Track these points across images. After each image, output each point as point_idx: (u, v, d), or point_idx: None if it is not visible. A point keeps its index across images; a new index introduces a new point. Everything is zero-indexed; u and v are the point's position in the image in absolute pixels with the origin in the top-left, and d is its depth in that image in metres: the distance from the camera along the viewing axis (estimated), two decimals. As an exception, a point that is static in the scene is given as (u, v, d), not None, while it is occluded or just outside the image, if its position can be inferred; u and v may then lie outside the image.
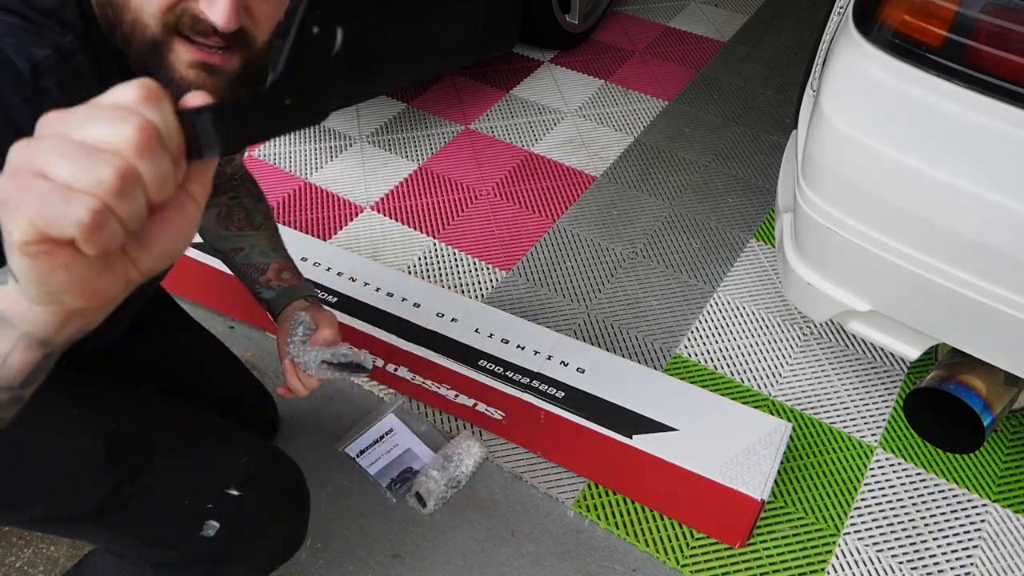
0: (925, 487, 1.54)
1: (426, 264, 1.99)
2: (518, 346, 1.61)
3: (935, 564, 1.43)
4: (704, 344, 1.80)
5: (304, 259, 1.78)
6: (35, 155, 0.38)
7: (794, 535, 1.47)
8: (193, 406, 1.16)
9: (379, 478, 1.52)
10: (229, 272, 1.73)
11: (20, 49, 0.65)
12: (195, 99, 0.43)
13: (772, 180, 2.27)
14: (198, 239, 1.81)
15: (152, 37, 0.71)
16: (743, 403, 1.54)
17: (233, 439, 1.07)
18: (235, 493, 0.99)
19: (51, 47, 0.68)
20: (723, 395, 1.59)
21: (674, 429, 1.46)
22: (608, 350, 1.75)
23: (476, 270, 1.98)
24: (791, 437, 1.57)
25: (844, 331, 1.83)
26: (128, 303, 0.56)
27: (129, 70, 0.74)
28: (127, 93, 0.40)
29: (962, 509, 1.51)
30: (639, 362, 1.75)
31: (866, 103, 1.24)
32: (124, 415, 1.00)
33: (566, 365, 1.57)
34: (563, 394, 1.51)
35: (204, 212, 1.18)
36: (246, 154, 1.32)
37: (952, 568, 1.42)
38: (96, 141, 0.39)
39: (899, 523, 1.49)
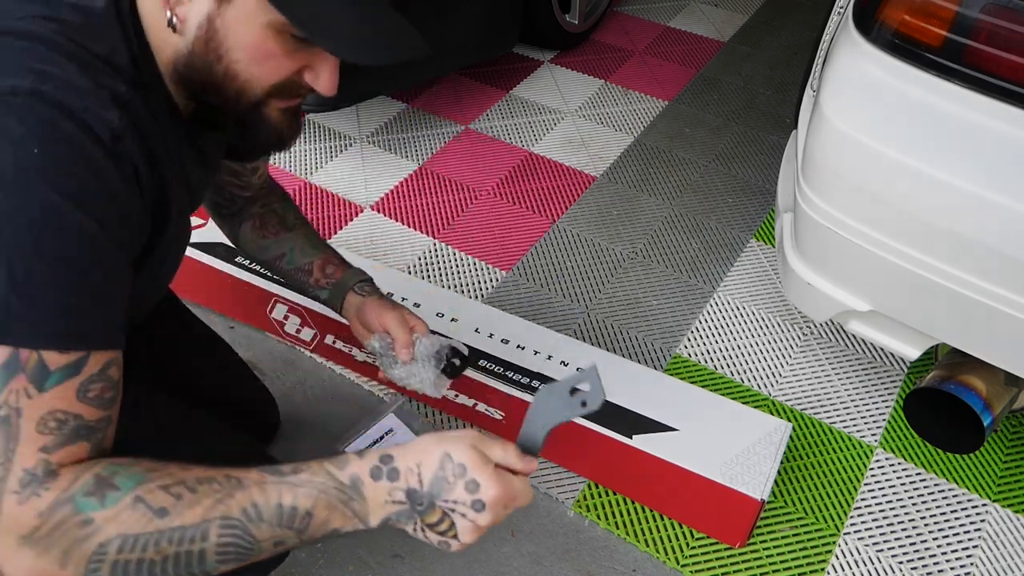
0: (925, 487, 1.54)
1: (426, 264, 1.99)
2: (518, 346, 1.61)
3: (935, 564, 1.43)
4: (704, 344, 1.80)
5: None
6: (509, 501, 0.81)
7: (794, 535, 1.47)
8: (192, 406, 1.15)
9: (379, 478, 1.51)
10: (230, 272, 1.74)
11: (99, 120, 0.70)
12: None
13: (772, 180, 2.27)
14: (200, 239, 1.81)
15: (255, 101, 0.82)
16: (743, 403, 1.54)
17: (218, 445, 1.01)
18: None
19: (115, 103, 0.73)
20: (723, 395, 1.59)
21: (674, 429, 1.46)
22: (608, 350, 1.75)
23: (476, 270, 1.98)
24: (791, 437, 1.57)
25: (844, 331, 1.83)
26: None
27: (176, 109, 0.84)
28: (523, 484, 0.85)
29: (962, 509, 1.51)
30: (639, 362, 1.75)
31: (866, 103, 1.24)
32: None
33: (566, 365, 1.57)
34: (563, 394, 1.51)
35: (240, 226, 1.23)
36: (271, 159, 1.34)
37: (952, 568, 1.42)
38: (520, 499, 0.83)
39: (899, 523, 1.49)
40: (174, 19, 0.77)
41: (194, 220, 1.85)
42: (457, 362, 1.21)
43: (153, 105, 0.80)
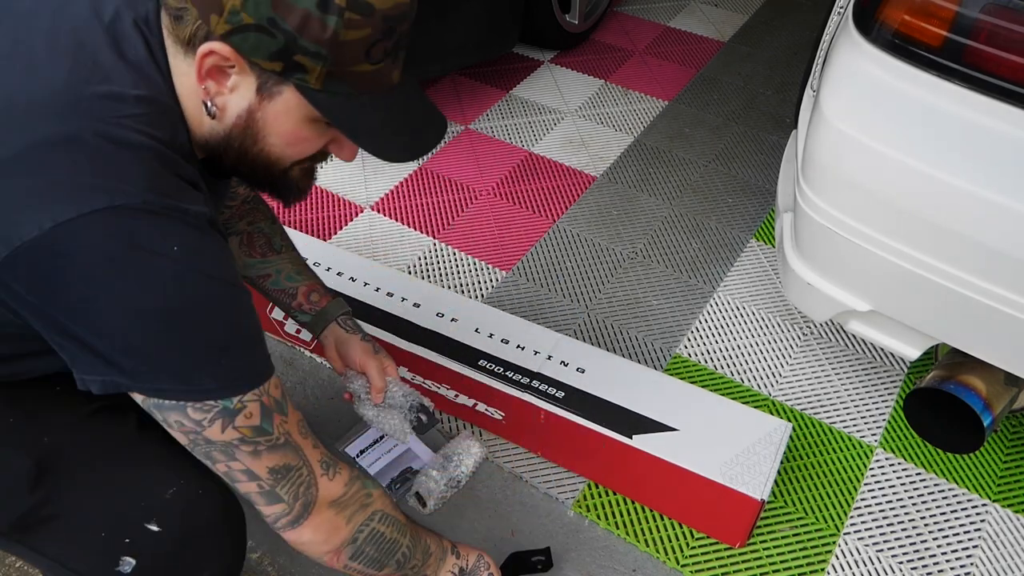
0: (925, 487, 1.54)
1: (426, 264, 1.99)
2: (518, 346, 1.61)
3: (935, 564, 1.43)
4: (704, 344, 1.80)
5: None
6: None
7: (794, 535, 1.47)
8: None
9: (379, 478, 1.52)
10: (229, 272, 1.74)
11: (200, 214, 0.80)
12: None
13: (772, 180, 2.27)
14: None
15: (284, 170, 0.92)
16: (743, 403, 1.54)
17: (166, 467, 1.00)
18: (154, 529, 0.95)
19: (195, 189, 0.83)
20: (723, 395, 1.59)
21: (674, 429, 1.46)
22: (608, 350, 1.75)
23: (476, 270, 1.98)
24: (791, 437, 1.57)
25: (844, 331, 1.83)
26: None
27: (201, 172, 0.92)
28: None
29: (962, 509, 1.51)
30: (639, 362, 1.75)
31: (866, 103, 1.24)
32: (60, 431, 0.97)
33: (566, 365, 1.57)
34: (563, 394, 1.51)
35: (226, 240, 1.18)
36: None
37: (952, 568, 1.42)
38: None
39: (899, 523, 1.49)
40: (213, 108, 0.84)
41: (194, 220, 1.86)
42: (424, 419, 1.34)
43: (201, 179, 0.89)
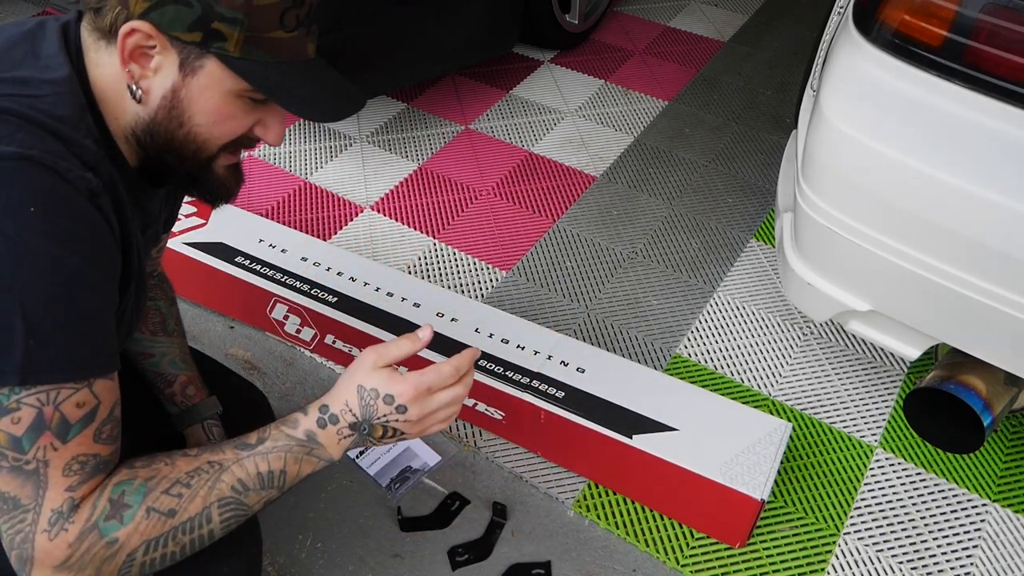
0: (925, 487, 1.54)
1: (426, 264, 1.99)
2: (518, 346, 1.61)
3: (935, 564, 1.43)
4: (704, 344, 1.80)
5: (304, 259, 1.78)
6: (432, 408, 0.96)
7: (794, 535, 1.47)
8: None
9: (379, 478, 1.52)
10: (229, 272, 1.74)
11: (80, 179, 0.79)
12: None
13: (772, 180, 2.27)
14: (200, 239, 1.81)
15: (209, 158, 0.90)
16: (743, 403, 1.54)
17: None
18: None
19: (86, 166, 0.81)
20: (723, 395, 1.59)
21: (674, 429, 1.46)
22: (608, 350, 1.74)
23: (476, 270, 1.98)
24: (791, 437, 1.57)
25: (844, 331, 1.83)
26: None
27: (126, 172, 0.91)
28: (459, 387, 1.01)
29: (962, 509, 1.51)
30: (639, 362, 1.75)
31: (866, 103, 1.24)
32: None
33: (566, 365, 1.57)
34: (563, 394, 1.51)
35: None
36: (166, 249, 1.35)
37: (952, 568, 1.42)
38: (452, 404, 0.98)
39: (899, 523, 1.49)
40: (138, 92, 0.85)
41: (194, 220, 1.86)
42: None
43: (111, 168, 0.87)
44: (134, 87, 0.84)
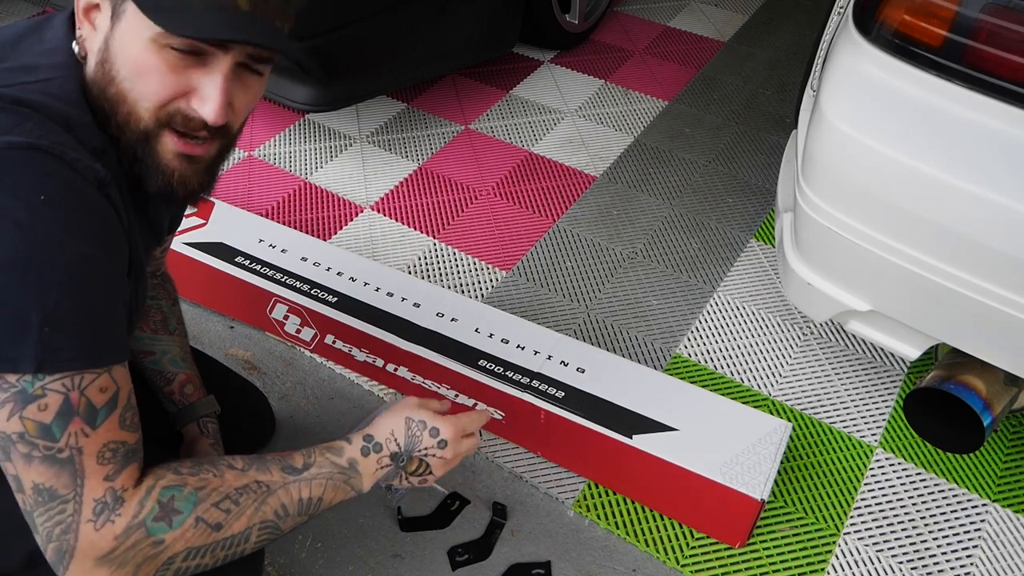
0: (925, 487, 1.54)
1: (426, 264, 1.99)
2: (518, 346, 1.61)
3: (935, 564, 1.43)
4: (704, 344, 1.80)
5: (304, 259, 1.78)
6: (460, 451, 1.05)
7: (794, 535, 1.47)
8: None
9: (379, 478, 1.52)
10: (230, 272, 1.74)
11: (89, 169, 0.78)
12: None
13: (772, 180, 2.27)
14: (200, 239, 1.81)
15: (145, 128, 0.83)
16: (743, 403, 1.54)
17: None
18: None
19: (94, 155, 0.80)
20: (723, 395, 1.59)
21: (674, 429, 1.46)
22: (608, 350, 1.74)
23: (476, 270, 1.98)
24: (791, 437, 1.57)
25: (844, 331, 1.83)
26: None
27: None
28: (477, 438, 1.09)
29: (962, 509, 1.51)
30: (639, 362, 1.75)
31: (866, 103, 1.24)
32: None
33: (566, 365, 1.57)
34: (563, 394, 1.51)
35: None
36: (169, 249, 1.35)
37: (952, 568, 1.42)
38: (469, 451, 1.07)
39: (899, 523, 1.49)
40: (83, 52, 0.83)
41: (194, 220, 1.86)
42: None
43: (117, 162, 0.86)
44: (77, 47, 0.83)
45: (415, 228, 2.10)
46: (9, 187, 0.73)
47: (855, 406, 1.68)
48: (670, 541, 1.45)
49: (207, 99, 0.82)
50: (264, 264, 1.76)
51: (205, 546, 0.84)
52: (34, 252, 0.73)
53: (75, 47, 0.83)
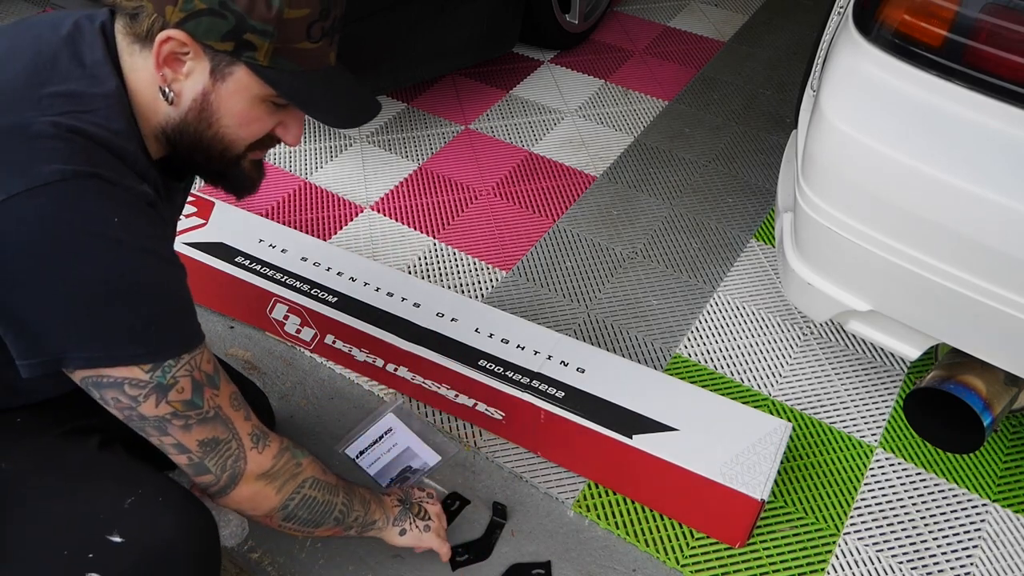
0: (925, 487, 1.54)
1: (426, 264, 1.99)
2: (518, 346, 1.61)
3: (935, 564, 1.43)
4: (704, 344, 1.80)
5: (304, 259, 1.78)
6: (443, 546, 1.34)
7: (794, 535, 1.47)
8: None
9: (379, 478, 1.52)
10: (229, 272, 1.74)
11: (141, 193, 0.89)
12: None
13: (772, 180, 2.27)
14: (200, 239, 1.81)
15: (236, 155, 0.99)
16: (743, 403, 1.54)
17: (125, 480, 0.97)
18: (117, 540, 0.89)
19: (141, 178, 0.91)
20: (723, 395, 1.59)
21: (674, 429, 1.46)
22: (608, 350, 1.74)
23: (476, 270, 1.98)
24: (791, 437, 1.57)
25: (844, 331, 1.83)
26: None
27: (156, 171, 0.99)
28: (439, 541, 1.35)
29: (962, 509, 1.51)
30: (639, 362, 1.75)
31: (866, 103, 1.24)
32: (16, 459, 0.95)
33: (566, 365, 1.57)
34: (563, 394, 1.51)
35: None
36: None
37: (952, 568, 1.42)
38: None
39: (899, 523, 1.49)
40: (171, 94, 0.91)
41: (194, 220, 1.86)
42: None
43: (157, 176, 0.96)
44: (167, 89, 0.91)
45: (415, 228, 2.10)
46: (89, 212, 0.82)
47: (855, 406, 1.68)
48: (670, 541, 1.45)
49: (292, 131, 0.99)
50: (264, 264, 1.76)
51: (323, 484, 1.10)
52: (129, 266, 0.85)
53: (164, 89, 0.91)
